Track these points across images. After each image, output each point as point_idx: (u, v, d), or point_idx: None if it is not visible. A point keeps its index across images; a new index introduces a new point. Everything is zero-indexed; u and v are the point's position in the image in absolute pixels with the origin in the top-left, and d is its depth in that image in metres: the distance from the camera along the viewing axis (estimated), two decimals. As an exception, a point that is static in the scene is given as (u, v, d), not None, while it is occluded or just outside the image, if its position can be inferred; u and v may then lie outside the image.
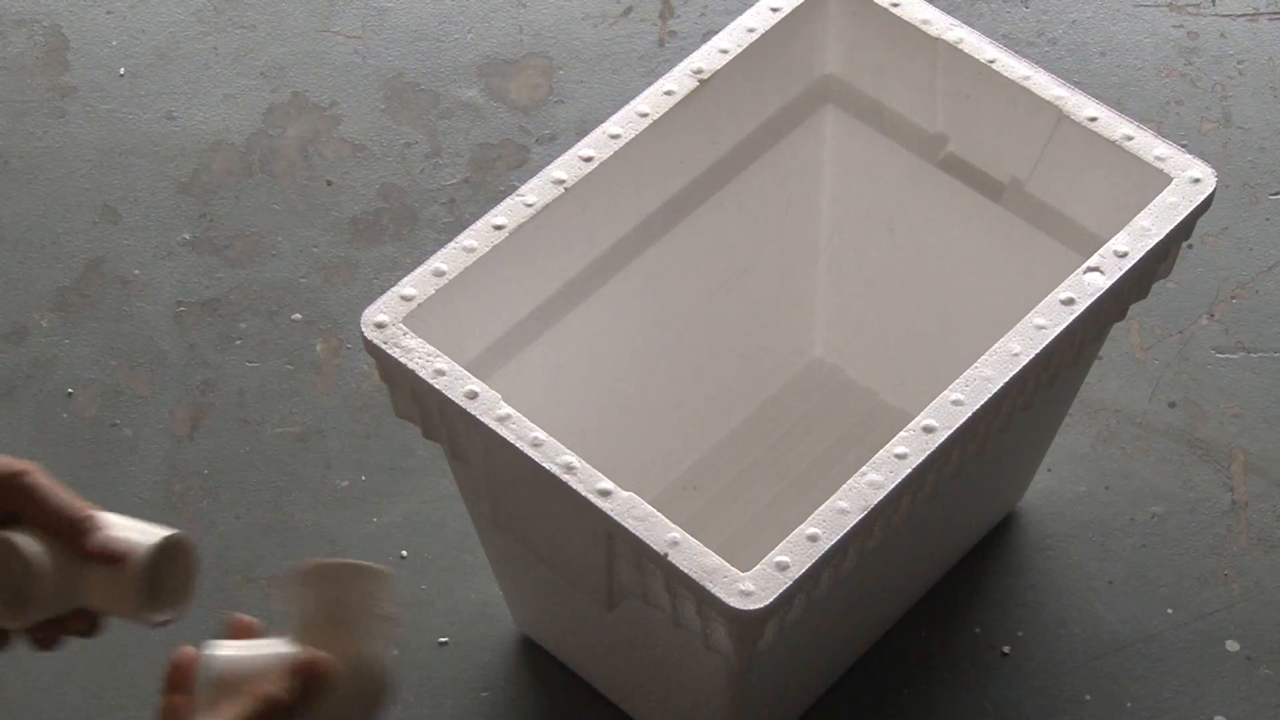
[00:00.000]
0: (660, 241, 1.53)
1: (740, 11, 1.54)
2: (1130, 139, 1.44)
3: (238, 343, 1.83)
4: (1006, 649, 1.64)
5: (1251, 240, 1.90)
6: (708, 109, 1.50)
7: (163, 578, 1.09)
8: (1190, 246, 1.86)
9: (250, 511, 1.72)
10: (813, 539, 1.26)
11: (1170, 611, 1.66)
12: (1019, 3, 2.08)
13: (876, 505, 1.27)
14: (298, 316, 1.85)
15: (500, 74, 2.03)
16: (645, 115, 1.46)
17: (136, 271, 1.88)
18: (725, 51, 1.50)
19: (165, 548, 1.08)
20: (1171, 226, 1.40)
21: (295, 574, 1.05)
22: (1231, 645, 1.65)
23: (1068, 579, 1.68)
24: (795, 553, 1.25)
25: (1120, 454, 1.75)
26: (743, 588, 1.23)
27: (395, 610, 1.06)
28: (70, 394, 1.80)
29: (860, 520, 1.27)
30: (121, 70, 2.03)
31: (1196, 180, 1.42)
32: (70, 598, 1.08)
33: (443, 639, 1.65)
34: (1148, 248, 1.39)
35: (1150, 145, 1.44)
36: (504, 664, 1.64)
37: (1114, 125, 1.45)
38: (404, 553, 1.69)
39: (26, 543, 1.06)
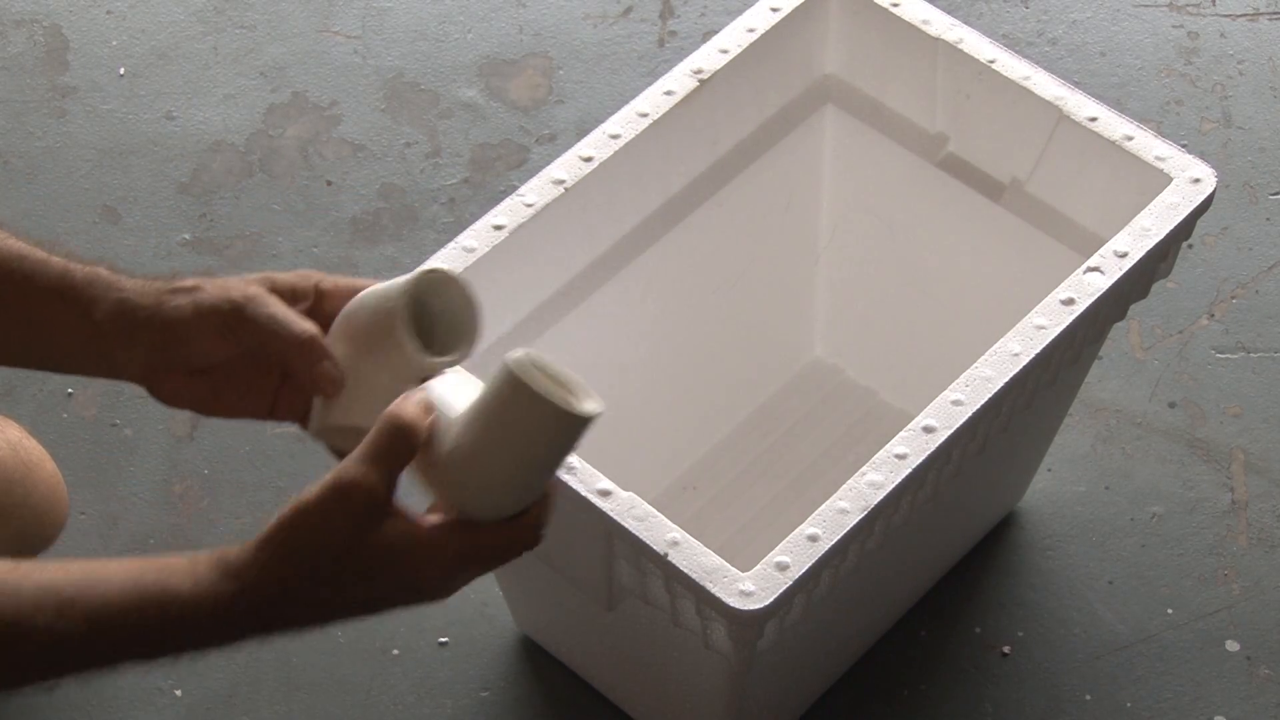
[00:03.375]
0: (660, 241, 1.53)
1: (740, 11, 1.54)
2: (1130, 139, 1.44)
3: (238, 343, 1.83)
4: (1006, 649, 1.64)
5: (1251, 240, 1.90)
6: (708, 109, 1.50)
7: (433, 318, 1.08)
8: (1190, 246, 1.86)
9: (250, 511, 1.72)
10: (813, 539, 1.26)
11: (1170, 611, 1.66)
12: (1019, 3, 2.08)
13: (876, 505, 1.27)
14: (298, 316, 1.85)
15: (500, 74, 2.03)
16: (645, 115, 1.46)
17: (137, 271, 1.88)
18: (725, 51, 1.50)
19: (423, 284, 1.06)
20: (1171, 226, 1.40)
21: None
22: (1231, 645, 1.64)
23: (1068, 579, 1.68)
24: (795, 553, 1.25)
25: (1120, 454, 1.75)
26: (743, 588, 1.23)
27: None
28: (70, 394, 1.80)
29: (860, 520, 1.27)
30: (121, 70, 2.03)
31: (1196, 180, 1.42)
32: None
33: (443, 639, 1.65)
34: (1148, 248, 1.39)
35: (1150, 145, 1.44)
36: (504, 664, 1.64)
37: (1114, 125, 1.45)
38: (404, 553, 1.69)
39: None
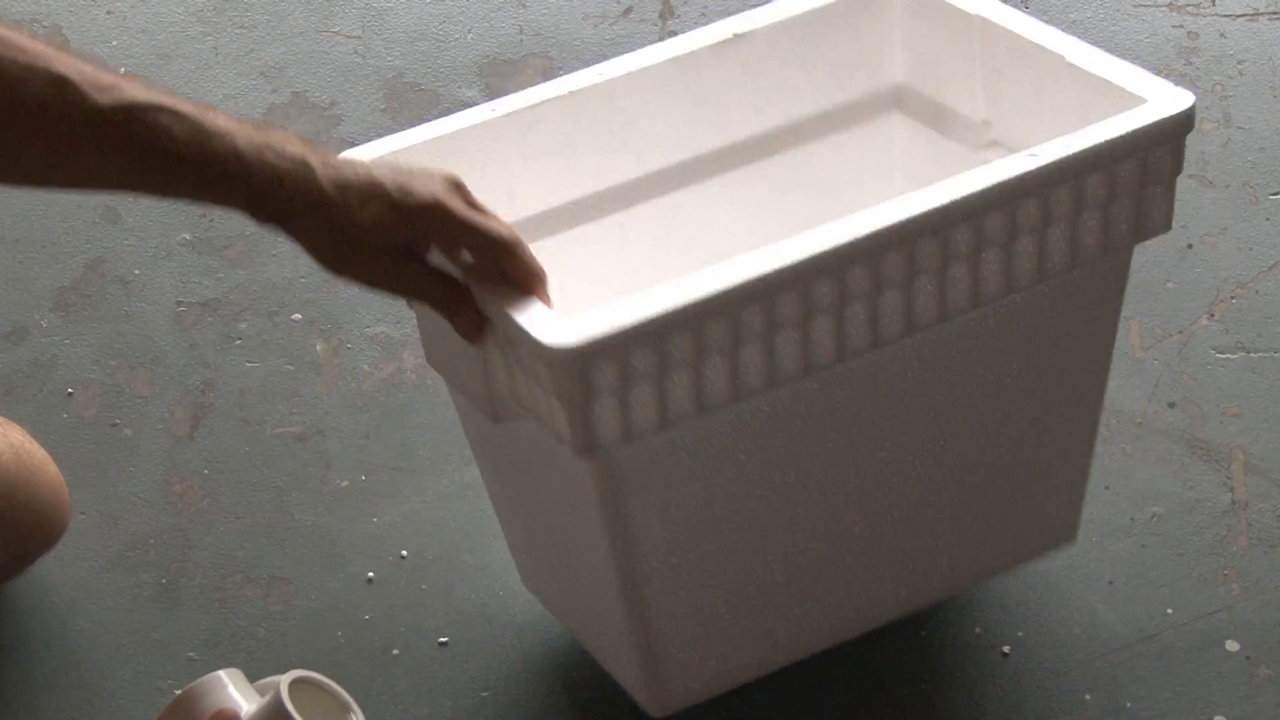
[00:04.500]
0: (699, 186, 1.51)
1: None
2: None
3: (238, 343, 1.83)
4: (1006, 649, 1.64)
5: (1251, 240, 1.90)
6: (750, 70, 1.48)
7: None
8: (1190, 247, 1.86)
9: (250, 511, 1.72)
10: (661, 296, 1.17)
11: (1170, 611, 1.66)
12: (1019, 3, 2.08)
13: (759, 278, 1.16)
14: (298, 316, 1.85)
15: (500, 74, 2.03)
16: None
17: (136, 271, 1.88)
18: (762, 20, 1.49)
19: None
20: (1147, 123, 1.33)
21: None
22: (1231, 645, 1.64)
23: (1068, 579, 1.68)
24: (632, 305, 1.16)
25: (1120, 454, 1.75)
26: (562, 328, 1.16)
27: None
28: (70, 394, 1.80)
29: (729, 289, 1.16)
30: (122, 70, 2.03)
31: (1171, 102, 1.35)
32: None
33: (443, 639, 1.65)
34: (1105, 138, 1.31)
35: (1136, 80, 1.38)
36: (504, 664, 1.64)
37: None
38: (404, 553, 1.69)
39: None
